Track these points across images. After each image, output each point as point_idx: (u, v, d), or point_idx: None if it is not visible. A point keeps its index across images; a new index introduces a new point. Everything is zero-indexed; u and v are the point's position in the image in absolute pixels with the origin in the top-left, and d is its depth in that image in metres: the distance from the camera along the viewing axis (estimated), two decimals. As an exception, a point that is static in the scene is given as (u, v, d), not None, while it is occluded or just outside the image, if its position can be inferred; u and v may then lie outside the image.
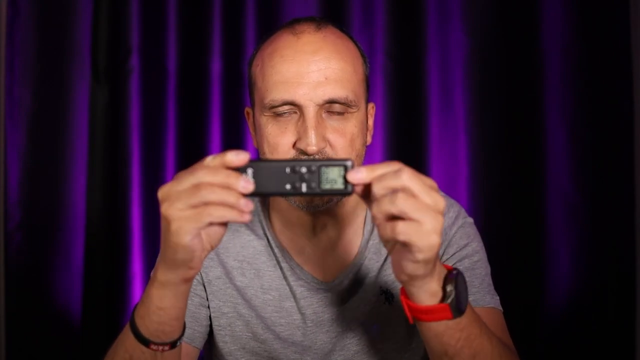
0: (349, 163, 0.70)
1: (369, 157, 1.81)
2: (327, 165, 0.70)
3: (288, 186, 0.70)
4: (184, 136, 1.85)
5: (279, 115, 0.92)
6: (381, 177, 0.69)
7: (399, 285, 1.01)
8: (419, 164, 1.82)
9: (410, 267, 0.71)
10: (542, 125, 1.78)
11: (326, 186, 0.70)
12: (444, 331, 0.76)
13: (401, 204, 0.67)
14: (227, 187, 0.67)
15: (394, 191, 0.68)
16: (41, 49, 1.82)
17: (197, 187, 0.67)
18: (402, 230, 0.67)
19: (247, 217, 0.69)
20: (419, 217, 0.67)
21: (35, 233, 1.83)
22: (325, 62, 0.90)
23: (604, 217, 1.77)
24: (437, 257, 0.73)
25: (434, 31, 1.81)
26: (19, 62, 1.81)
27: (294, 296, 1.03)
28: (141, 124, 1.82)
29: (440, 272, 0.75)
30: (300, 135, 0.90)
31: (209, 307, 1.04)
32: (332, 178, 0.70)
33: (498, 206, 1.81)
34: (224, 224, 0.72)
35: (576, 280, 1.78)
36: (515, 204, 1.81)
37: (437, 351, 0.79)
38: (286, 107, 0.91)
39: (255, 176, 0.70)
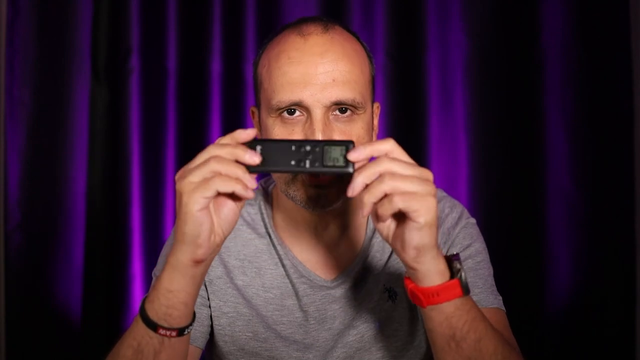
0: (351, 144, 0.75)
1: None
2: (330, 144, 0.75)
3: (293, 162, 0.75)
4: (184, 136, 1.85)
5: (285, 117, 0.92)
6: (364, 168, 0.74)
7: (402, 283, 1.01)
8: (419, 164, 1.81)
9: (416, 237, 0.74)
10: (542, 125, 1.78)
11: (328, 163, 0.75)
12: (453, 312, 0.79)
13: (391, 182, 0.72)
14: (235, 159, 0.73)
15: (380, 175, 0.73)
16: (41, 49, 1.83)
17: (207, 160, 0.73)
18: (399, 199, 0.72)
19: (250, 193, 0.74)
20: (411, 187, 0.72)
21: (35, 233, 1.83)
22: (332, 64, 0.91)
23: (604, 217, 1.77)
24: (437, 233, 0.76)
25: (434, 31, 1.81)
26: (19, 62, 1.81)
27: (296, 294, 1.03)
28: (141, 124, 1.82)
29: (441, 255, 0.79)
30: (308, 137, 0.90)
31: (209, 307, 1.04)
32: (335, 157, 0.75)
33: (498, 206, 1.81)
34: (236, 207, 0.77)
35: (576, 280, 1.78)
36: (515, 204, 1.81)
37: (445, 335, 0.80)
38: (292, 109, 0.91)
39: (262, 152, 0.75)
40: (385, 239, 0.79)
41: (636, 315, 1.76)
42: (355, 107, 0.92)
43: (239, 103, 1.83)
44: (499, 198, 1.81)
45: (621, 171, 1.76)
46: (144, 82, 1.82)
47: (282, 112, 0.92)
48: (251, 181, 0.74)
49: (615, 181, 1.77)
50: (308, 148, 0.75)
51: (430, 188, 0.73)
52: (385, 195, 0.73)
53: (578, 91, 1.77)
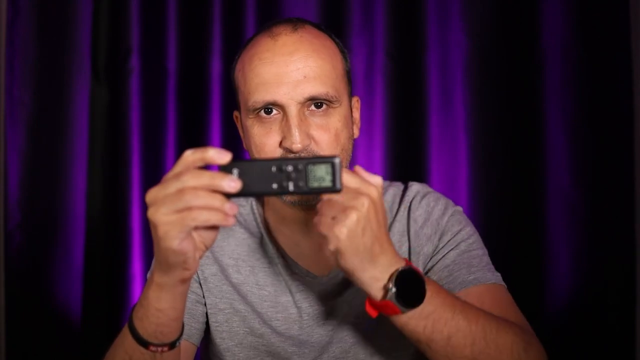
0: (336, 160, 0.69)
1: (368, 158, 1.81)
2: (314, 163, 0.69)
3: (275, 185, 0.69)
4: (184, 136, 1.85)
5: (263, 116, 0.94)
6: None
7: None
8: (419, 164, 1.82)
9: (331, 258, 0.77)
10: (542, 125, 1.78)
11: (314, 184, 0.69)
12: (407, 322, 0.80)
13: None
14: (212, 189, 0.67)
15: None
16: (41, 49, 1.82)
17: (182, 191, 0.67)
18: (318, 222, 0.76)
19: (231, 221, 0.69)
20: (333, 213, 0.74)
21: (35, 233, 1.83)
22: (302, 62, 0.93)
23: (604, 217, 1.77)
24: (373, 255, 0.76)
25: (434, 31, 1.81)
26: (19, 62, 1.81)
27: (290, 291, 1.04)
28: (141, 124, 1.82)
29: (388, 267, 0.78)
30: (285, 134, 0.93)
31: (205, 304, 1.05)
32: (320, 176, 0.69)
33: (498, 206, 1.81)
34: (214, 226, 0.72)
35: (576, 280, 1.78)
36: (515, 204, 1.81)
37: (412, 339, 0.82)
38: (269, 108, 0.94)
39: (241, 176, 0.69)
40: None
41: (636, 315, 1.75)
42: (330, 101, 0.94)
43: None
44: (499, 198, 1.81)
45: (621, 171, 1.76)
46: (144, 82, 1.82)
47: (259, 112, 0.94)
48: (232, 208, 0.68)
49: (615, 181, 1.76)
50: (290, 168, 0.68)
51: (348, 219, 0.74)
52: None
53: (578, 91, 1.77)
